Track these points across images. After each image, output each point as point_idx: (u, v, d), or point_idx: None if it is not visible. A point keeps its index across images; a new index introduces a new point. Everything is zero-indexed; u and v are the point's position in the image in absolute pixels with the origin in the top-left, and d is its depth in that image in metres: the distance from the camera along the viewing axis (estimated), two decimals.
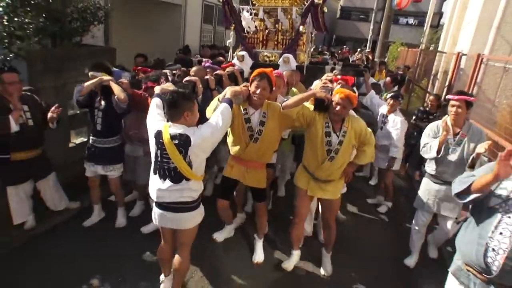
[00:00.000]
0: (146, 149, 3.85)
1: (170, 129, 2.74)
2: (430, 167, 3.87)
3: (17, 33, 4.76)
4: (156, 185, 2.82)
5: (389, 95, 5.11)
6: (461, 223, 2.82)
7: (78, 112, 5.36)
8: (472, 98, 3.66)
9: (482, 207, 2.46)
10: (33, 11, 4.70)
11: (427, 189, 3.86)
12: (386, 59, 16.67)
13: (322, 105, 3.26)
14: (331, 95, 3.32)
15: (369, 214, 5.19)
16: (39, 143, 4.00)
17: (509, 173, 2.21)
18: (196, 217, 2.96)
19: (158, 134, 2.76)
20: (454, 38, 9.84)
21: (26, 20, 4.56)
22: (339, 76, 4.56)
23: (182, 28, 10.57)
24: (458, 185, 2.61)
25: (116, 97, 3.73)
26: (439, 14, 24.09)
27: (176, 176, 2.76)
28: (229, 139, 3.58)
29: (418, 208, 3.98)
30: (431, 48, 13.52)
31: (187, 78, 4.11)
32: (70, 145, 5.36)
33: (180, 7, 10.39)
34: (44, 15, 4.92)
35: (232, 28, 6.04)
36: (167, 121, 2.84)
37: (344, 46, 21.98)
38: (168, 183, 2.77)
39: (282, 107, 3.30)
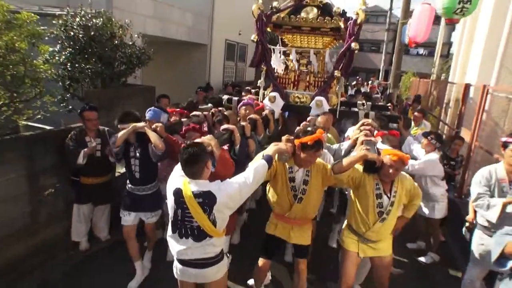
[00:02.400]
0: None
1: (191, 186, 2.56)
2: (483, 218, 3.45)
3: (76, 77, 5.51)
4: (176, 244, 2.65)
5: (421, 134, 4.97)
6: (505, 276, 2.57)
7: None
8: None
9: None
10: (91, 58, 5.46)
11: (481, 244, 3.42)
12: (399, 90, 17.22)
13: (373, 167, 3.13)
14: (378, 153, 3.24)
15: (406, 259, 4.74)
16: (105, 173, 4.41)
17: None
18: (221, 268, 2.77)
19: (178, 192, 2.59)
20: (463, 68, 10.08)
21: (87, 66, 5.30)
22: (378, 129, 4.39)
23: (208, 65, 11.42)
24: (494, 250, 2.45)
25: (152, 145, 3.60)
26: (448, 44, 24.75)
27: (198, 235, 2.57)
28: (272, 197, 3.37)
29: (475, 264, 3.56)
30: (442, 78, 14.00)
31: (224, 126, 3.90)
32: (116, 174, 5.98)
33: (206, 46, 11.29)
34: (98, 61, 5.68)
35: (263, 68, 5.93)
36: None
37: (357, 77, 22.68)
38: (190, 241, 2.59)
39: (333, 171, 3.13)
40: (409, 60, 30.35)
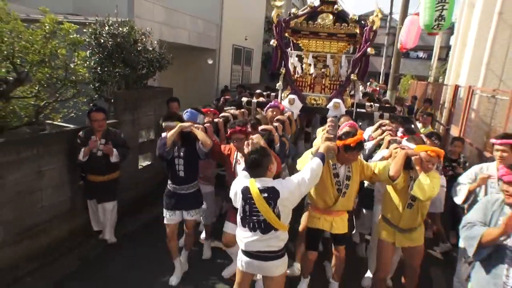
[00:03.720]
0: (212, 186, 4.40)
1: (257, 183, 2.82)
2: None
3: (104, 79, 6.13)
4: (245, 237, 2.88)
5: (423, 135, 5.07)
6: (473, 263, 2.76)
7: (146, 140, 6.55)
8: None
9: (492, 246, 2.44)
10: (118, 62, 6.09)
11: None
12: (398, 92, 17.77)
13: (409, 163, 3.37)
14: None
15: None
16: (107, 172, 4.56)
17: None
18: (281, 265, 2.96)
19: (246, 190, 2.84)
20: (457, 72, 10.69)
21: (116, 70, 5.93)
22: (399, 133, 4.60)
23: (217, 69, 11.97)
24: (469, 246, 2.55)
25: (200, 142, 3.69)
26: (447, 47, 25.35)
27: (265, 228, 2.81)
28: (315, 193, 3.59)
29: (462, 262, 3.76)
30: (440, 80, 14.57)
31: (263, 127, 4.15)
32: (139, 167, 6.45)
33: (215, 51, 11.86)
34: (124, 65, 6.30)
35: (282, 71, 6.20)
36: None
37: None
38: (258, 234, 2.82)
39: (392, 179, 3.33)
40: (409, 63, 30.91)
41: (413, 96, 13.39)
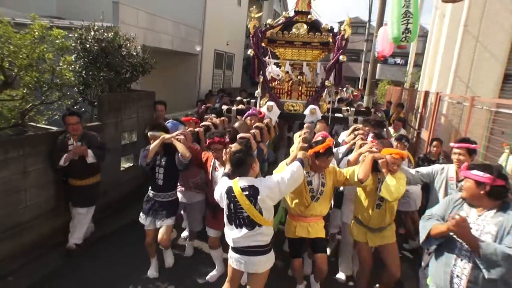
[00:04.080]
0: (203, 195, 4.40)
1: (239, 182, 3.06)
2: None
3: (89, 83, 6.28)
4: (233, 234, 3.09)
5: (393, 139, 5.37)
6: (431, 254, 2.93)
7: (128, 142, 6.67)
8: (473, 146, 3.79)
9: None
10: (102, 66, 6.26)
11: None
12: (375, 96, 18.29)
13: (377, 165, 3.60)
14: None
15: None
16: (85, 176, 4.60)
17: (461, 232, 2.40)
18: (267, 261, 3.15)
19: (229, 189, 3.07)
20: (430, 78, 10.82)
21: (101, 74, 6.10)
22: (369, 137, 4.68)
23: (198, 73, 12.19)
24: (421, 235, 2.77)
25: (180, 154, 3.85)
26: (422, 54, 26.07)
27: (250, 224, 3.01)
28: (290, 200, 3.78)
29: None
30: (416, 86, 15.08)
31: (241, 135, 4.30)
32: (121, 169, 6.56)
33: (197, 56, 12.08)
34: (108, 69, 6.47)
35: (260, 79, 6.43)
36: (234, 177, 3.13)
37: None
38: (244, 230, 3.03)
39: (361, 181, 3.53)
40: (387, 69, 31.66)
41: (388, 101, 13.87)
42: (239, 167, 3.10)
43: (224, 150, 3.73)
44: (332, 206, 4.70)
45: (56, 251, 4.63)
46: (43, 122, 5.66)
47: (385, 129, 6.31)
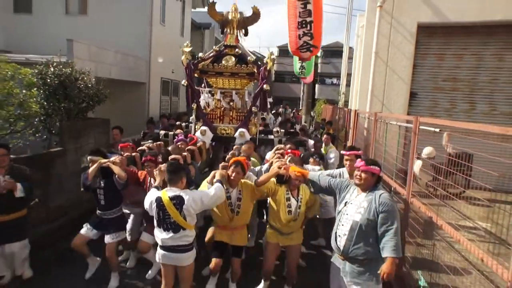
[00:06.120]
0: (141, 208, 4.34)
1: (168, 192, 3.45)
2: None
3: (49, 113, 6.87)
4: (161, 235, 3.50)
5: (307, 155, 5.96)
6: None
7: (87, 165, 7.26)
8: (359, 152, 4.52)
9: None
10: (62, 98, 6.89)
11: None
12: (313, 114, 19.69)
13: (282, 179, 4.11)
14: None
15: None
16: (12, 210, 4.26)
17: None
18: (191, 257, 3.62)
19: (159, 199, 3.45)
20: (356, 96, 12.03)
21: (62, 105, 6.74)
22: (289, 150, 5.13)
23: (147, 100, 13.00)
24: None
25: (116, 176, 4.23)
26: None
27: (176, 228, 3.44)
28: (214, 214, 4.25)
29: None
30: (349, 105, 16.52)
31: (172, 156, 4.75)
32: (81, 189, 6.82)
33: (145, 84, 12.93)
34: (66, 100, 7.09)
35: (194, 106, 6.90)
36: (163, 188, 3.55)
37: (281, 105, 25.09)
38: (170, 233, 3.45)
39: (256, 185, 4.09)
40: (325, 89, 33.90)
41: (323, 119, 15.13)
42: (174, 174, 3.52)
43: (154, 170, 4.14)
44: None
45: None
46: None
47: (305, 147, 7.33)
